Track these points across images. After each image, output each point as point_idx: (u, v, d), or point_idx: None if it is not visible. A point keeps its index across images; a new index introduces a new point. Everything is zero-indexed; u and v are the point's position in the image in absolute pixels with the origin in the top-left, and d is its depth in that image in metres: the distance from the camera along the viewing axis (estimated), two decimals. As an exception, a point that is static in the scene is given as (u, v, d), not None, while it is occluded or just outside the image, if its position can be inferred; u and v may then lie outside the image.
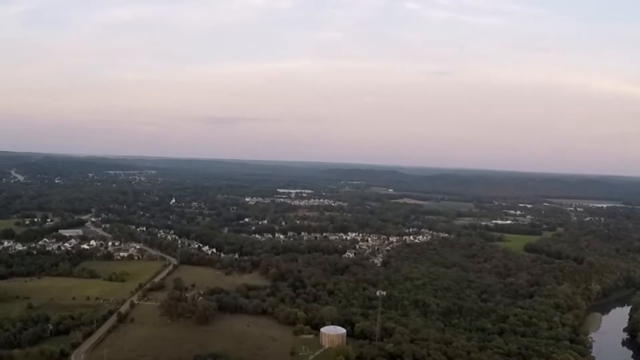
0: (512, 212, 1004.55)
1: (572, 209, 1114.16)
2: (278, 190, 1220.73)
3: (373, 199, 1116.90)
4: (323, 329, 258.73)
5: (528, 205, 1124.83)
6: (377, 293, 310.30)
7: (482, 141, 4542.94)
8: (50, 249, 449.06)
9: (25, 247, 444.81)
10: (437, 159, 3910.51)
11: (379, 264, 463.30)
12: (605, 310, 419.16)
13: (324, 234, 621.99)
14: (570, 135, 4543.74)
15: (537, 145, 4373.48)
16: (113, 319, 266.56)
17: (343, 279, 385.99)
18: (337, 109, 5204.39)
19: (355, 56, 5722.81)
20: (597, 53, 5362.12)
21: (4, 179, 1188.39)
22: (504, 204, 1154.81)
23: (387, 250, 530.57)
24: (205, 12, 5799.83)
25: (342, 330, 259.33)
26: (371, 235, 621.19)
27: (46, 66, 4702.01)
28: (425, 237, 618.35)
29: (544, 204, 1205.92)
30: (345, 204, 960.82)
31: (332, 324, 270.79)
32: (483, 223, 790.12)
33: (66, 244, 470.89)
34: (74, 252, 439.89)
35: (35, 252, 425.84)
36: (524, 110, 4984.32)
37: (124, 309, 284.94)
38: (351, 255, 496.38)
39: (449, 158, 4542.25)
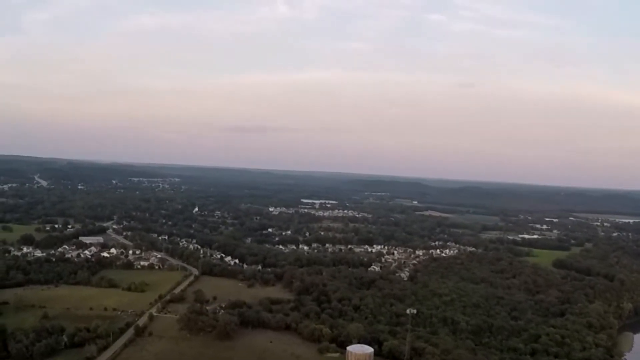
0: (538, 226, 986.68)
1: (598, 223, 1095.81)
2: (302, 200, 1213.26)
3: (398, 210, 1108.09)
4: (349, 348, 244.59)
5: (554, 220, 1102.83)
6: (407, 311, 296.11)
7: (506, 154, 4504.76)
8: (69, 256, 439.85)
9: (44, 254, 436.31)
10: (461, 171, 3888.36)
11: (405, 279, 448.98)
12: (637, 329, 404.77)
13: (349, 246, 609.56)
14: (595, 148, 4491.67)
15: (561, 158, 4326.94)
16: (130, 332, 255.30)
17: (369, 293, 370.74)
18: (361, 120, 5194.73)
19: (380, 67, 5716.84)
20: (622, 66, 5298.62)
21: (27, 184, 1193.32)
22: (529, 217, 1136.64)
23: (414, 264, 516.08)
24: (231, 21, 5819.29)
25: (369, 349, 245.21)
26: (397, 248, 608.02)
27: (71, 73, 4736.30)
28: (451, 251, 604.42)
29: (570, 218, 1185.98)
30: (370, 216, 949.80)
31: (359, 342, 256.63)
32: (510, 237, 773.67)
33: (86, 252, 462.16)
34: (93, 260, 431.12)
35: (54, 259, 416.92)
36: (548, 123, 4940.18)
37: (142, 321, 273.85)
38: (377, 268, 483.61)
39: (473, 170, 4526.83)
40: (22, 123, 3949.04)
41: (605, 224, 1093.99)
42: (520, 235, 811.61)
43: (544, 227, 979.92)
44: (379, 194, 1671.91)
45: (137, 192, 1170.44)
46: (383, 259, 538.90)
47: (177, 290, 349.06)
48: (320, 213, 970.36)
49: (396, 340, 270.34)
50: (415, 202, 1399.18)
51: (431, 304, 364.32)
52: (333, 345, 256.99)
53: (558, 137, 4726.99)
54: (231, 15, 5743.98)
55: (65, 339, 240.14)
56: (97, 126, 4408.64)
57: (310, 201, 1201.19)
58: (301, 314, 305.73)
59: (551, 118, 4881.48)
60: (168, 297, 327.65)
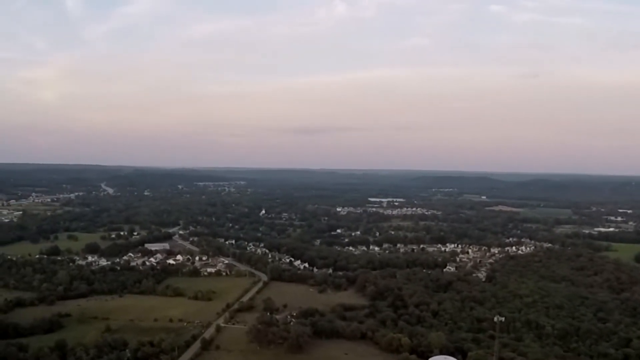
0: (612, 218, 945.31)
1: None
2: (369, 199, 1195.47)
3: (467, 207, 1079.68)
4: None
5: (628, 211, 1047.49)
6: (495, 319, 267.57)
7: (573, 144, 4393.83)
8: (134, 264, 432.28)
9: (109, 262, 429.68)
10: (529, 164, 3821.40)
11: (483, 279, 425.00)
12: None
13: (421, 246, 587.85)
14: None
15: (631, 147, 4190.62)
16: (196, 345, 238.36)
17: (447, 297, 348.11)
18: (425, 116, 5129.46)
19: (442, 62, 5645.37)
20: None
21: (94, 192, 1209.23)
22: (602, 210, 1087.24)
23: (490, 263, 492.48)
24: (289, 23, 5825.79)
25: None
26: (471, 247, 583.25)
27: (135, 82, 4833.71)
28: (528, 248, 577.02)
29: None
30: (439, 213, 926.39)
31: (441, 353, 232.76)
32: (585, 231, 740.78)
33: (151, 259, 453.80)
34: (158, 267, 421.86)
35: (118, 268, 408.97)
36: (616, 111, 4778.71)
37: (208, 333, 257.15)
38: (452, 269, 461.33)
39: (541, 162, 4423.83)
40: (89, 133, 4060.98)
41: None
42: (596, 229, 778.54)
43: (619, 219, 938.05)
44: (447, 189, 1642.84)
45: (203, 197, 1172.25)
46: (458, 259, 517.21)
47: (246, 298, 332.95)
48: (389, 212, 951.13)
49: (481, 349, 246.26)
50: (484, 197, 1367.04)
51: (513, 307, 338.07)
52: (413, 356, 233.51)
53: (624, 125, 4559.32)
54: (289, 18, 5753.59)
55: (128, 354, 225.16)
56: (163, 133, 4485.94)
57: (377, 200, 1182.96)
58: (377, 321, 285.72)
59: (617, 105, 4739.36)
60: (236, 306, 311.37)
